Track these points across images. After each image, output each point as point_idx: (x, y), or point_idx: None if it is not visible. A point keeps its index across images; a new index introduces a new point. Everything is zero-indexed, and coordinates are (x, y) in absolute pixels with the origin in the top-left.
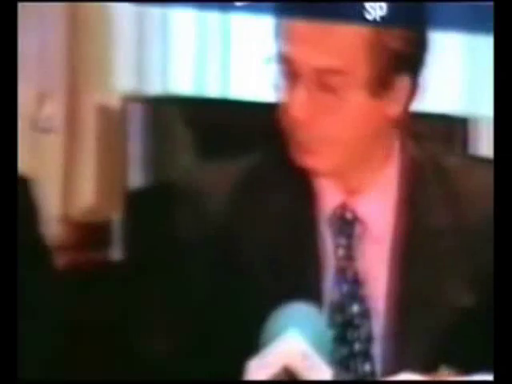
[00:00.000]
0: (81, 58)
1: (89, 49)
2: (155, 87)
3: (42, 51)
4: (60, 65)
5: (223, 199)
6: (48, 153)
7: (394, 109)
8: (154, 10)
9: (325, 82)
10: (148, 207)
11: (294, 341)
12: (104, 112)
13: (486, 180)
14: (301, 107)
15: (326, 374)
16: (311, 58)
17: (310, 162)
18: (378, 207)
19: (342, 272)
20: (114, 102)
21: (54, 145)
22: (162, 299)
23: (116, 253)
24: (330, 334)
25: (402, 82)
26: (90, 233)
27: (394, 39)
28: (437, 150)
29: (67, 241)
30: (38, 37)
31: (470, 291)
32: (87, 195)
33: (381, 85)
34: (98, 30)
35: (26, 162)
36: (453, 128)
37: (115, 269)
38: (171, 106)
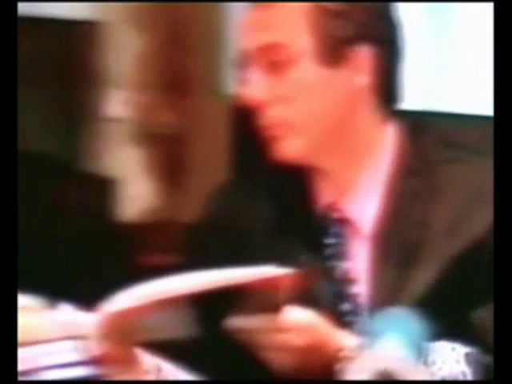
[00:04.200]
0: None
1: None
2: None
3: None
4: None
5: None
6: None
7: (357, 79)
8: None
9: (272, 59)
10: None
11: (392, 346)
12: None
13: (471, 176)
14: (256, 91)
15: (425, 375)
16: (253, 38)
17: (280, 151)
18: (365, 206)
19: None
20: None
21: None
22: None
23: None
24: (425, 340)
25: (360, 50)
26: (165, 235)
27: (339, 7)
28: (430, 143)
29: (146, 241)
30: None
31: (442, 285)
32: (162, 198)
33: (332, 54)
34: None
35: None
36: (483, 130)
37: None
38: None
